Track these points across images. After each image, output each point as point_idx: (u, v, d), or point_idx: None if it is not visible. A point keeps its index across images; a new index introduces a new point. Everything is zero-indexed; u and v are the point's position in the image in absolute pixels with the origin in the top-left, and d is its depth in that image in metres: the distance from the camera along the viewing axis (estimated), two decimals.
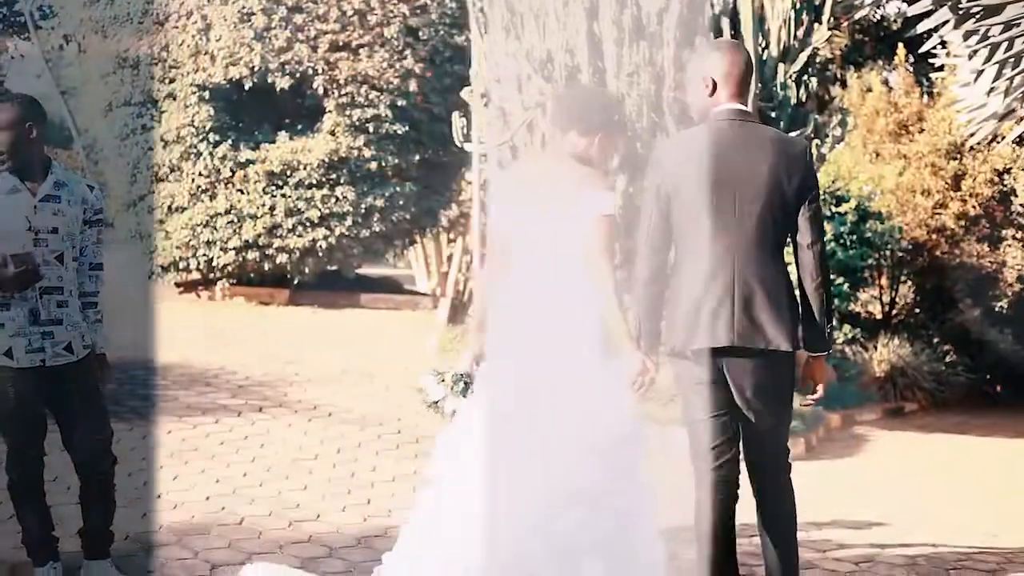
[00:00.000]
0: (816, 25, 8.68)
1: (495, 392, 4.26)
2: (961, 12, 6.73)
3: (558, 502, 4.03)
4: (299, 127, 12.06)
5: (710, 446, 4.13)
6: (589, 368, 4.14)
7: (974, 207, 12.94)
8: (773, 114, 8.61)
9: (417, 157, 12.16)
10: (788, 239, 4.21)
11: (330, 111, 11.83)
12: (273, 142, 11.89)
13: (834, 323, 4.47)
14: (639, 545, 4.11)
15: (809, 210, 4.12)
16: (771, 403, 4.15)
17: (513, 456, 4.08)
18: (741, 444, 4.21)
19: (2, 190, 4.34)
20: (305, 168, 11.71)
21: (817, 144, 8.67)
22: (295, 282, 12.31)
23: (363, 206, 11.89)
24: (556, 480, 4.05)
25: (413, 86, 11.88)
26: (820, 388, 4.31)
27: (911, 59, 15.39)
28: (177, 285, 12.36)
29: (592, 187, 4.21)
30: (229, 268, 11.97)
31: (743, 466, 4.26)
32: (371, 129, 11.84)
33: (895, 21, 17.22)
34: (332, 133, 11.82)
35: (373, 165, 11.88)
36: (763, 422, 4.15)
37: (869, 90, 14.54)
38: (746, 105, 4.24)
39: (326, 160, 11.72)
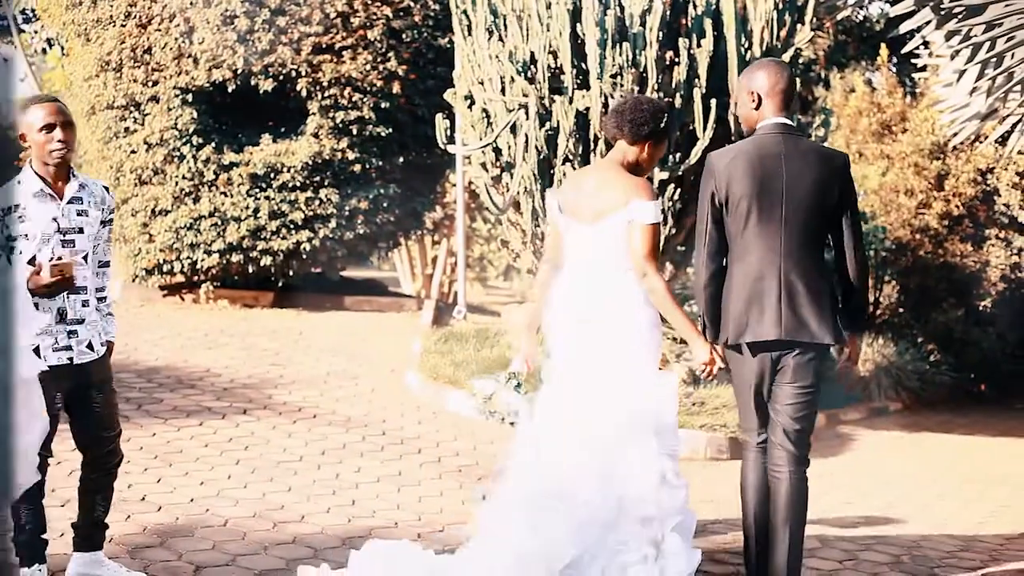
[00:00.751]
0: (799, 26, 8.69)
1: (558, 385, 4.69)
2: (943, 12, 6.78)
3: (628, 478, 4.46)
4: (282, 130, 12.05)
5: (757, 423, 4.66)
6: (639, 362, 4.62)
7: (957, 207, 12.95)
8: None
9: (401, 159, 12.16)
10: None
11: (313, 113, 11.82)
12: (257, 145, 11.87)
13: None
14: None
15: (851, 218, 4.58)
16: (807, 389, 4.58)
17: (579, 439, 4.52)
18: (770, 428, 4.64)
19: (30, 193, 4.37)
20: (289, 170, 11.70)
21: None
22: (279, 284, 12.28)
23: (347, 208, 11.88)
24: (623, 459, 4.48)
25: (396, 88, 11.88)
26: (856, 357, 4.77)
27: (894, 59, 15.44)
28: (161, 288, 12.32)
29: (639, 195, 4.57)
30: (213, 271, 11.95)
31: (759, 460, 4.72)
32: (355, 131, 11.83)
33: (878, 22, 17.27)
34: (316, 135, 11.81)
35: (357, 167, 11.88)
36: (798, 404, 4.57)
37: (852, 90, 14.55)
38: (790, 119, 4.62)
39: (310, 162, 11.71)
